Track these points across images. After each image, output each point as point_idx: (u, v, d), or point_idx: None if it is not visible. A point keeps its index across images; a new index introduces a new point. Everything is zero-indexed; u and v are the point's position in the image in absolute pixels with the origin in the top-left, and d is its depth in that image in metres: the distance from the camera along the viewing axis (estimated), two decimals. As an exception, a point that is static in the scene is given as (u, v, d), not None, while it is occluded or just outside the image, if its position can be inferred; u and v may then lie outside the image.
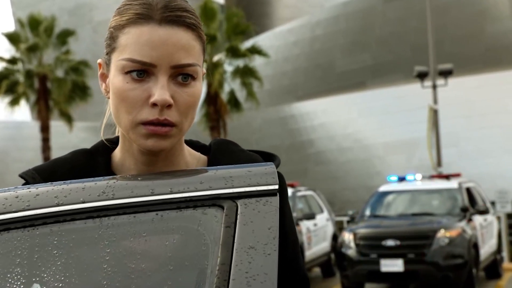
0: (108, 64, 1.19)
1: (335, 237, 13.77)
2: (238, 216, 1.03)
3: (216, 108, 21.85)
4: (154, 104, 1.13)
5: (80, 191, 1.06)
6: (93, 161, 1.24)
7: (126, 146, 1.22)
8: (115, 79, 1.15)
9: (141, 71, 1.14)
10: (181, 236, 1.04)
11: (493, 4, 27.25)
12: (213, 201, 1.05)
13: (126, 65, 1.13)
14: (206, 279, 0.98)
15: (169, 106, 1.13)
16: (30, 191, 1.07)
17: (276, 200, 1.06)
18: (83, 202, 1.04)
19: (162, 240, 1.03)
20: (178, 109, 1.15)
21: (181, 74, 1.15)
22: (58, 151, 24.44)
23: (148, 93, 1.13)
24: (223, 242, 1.01)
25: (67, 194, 1.05)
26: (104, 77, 1.21)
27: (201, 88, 1.19)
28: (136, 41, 1.13)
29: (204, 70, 1.25)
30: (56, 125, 26.11)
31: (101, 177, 1.11)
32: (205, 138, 19.84)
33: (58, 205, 1.04)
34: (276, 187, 1.08)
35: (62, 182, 1.09)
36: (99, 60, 1.23)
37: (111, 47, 1.18)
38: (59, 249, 1.01)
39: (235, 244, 1.00)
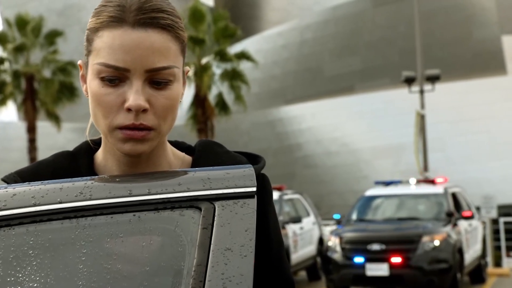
0: (87, 66, 1.19)
1: (321, 241, 13.79)
2: (215, 217, 1.04)
3: (204, 110, 21.84)
4: (130, 109, 1.12)
5: (58, 192, 1.06)
6: (76, 163, 1.24)
7: (108, 147, 1.22)
8: (92, 83, 1.15)
9: (115, 78, 1.13)
10: (158, 237, 1.04)
11: (480, 10, 27.46)
12: (191, 203, 1.06)
13: (100, 69, 1.13)
14: (182, 280, 0.98)
15: (144, 110, 1.13)
16: (7, 191, 1.07)
17: (253, 202, 1.07)
18: (60, 203, 1.04)
19: (139, 241, 1.03)
20: (155, 113, 1.14)
21: (157, 77, 1.14)
22: (45, 151, 24.32)
23: (123, 98, 1.13)
24: (199, 243, 1.01)
25: (44, 194, 1.05)
26: (84, 78, 1.21)
27: (179, 89, 1.18)
28: (109, 45, 1.13)
29: (188, 69, 1.25)
30: (43, 125, 25.98)
31: (79, 178, 1.11)
32: (193, 140, 19.80)
33: (35, 205, 1.04)
34: (254, 189, 1.08)
35: (40, 182, 1.09)
36: (79, 62, 1.23)
37: (87, 49, 1.17)
38: (35, 249, 1.01)
39: (211, 245, 1.00)
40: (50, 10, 39.10)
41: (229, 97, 22.51)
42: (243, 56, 22.10)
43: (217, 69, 22.37)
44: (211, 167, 1.14)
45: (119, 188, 1.07)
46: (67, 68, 22.43)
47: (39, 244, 1.01)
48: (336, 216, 12.91)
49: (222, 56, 21.85)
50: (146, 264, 1.01)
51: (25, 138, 23.57)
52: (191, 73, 21.78)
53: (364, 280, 10.48)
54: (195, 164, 1.25)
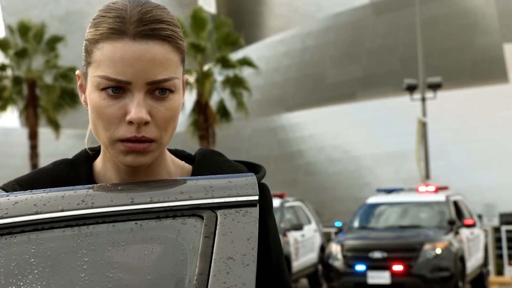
0: (85, 76, 1.18)
1: (322, 248, 13.76)
2: (217, 226, 1.04)
3: (206, 117, 21.85)
4: (131, 122, 1.12)
5: (60, 200, 1.06)
6: (75, 172, 1.23)
7: (107, 156, 1.21)
8: (92, 95, 1.14)
9: (117, 88, 1.12)
10: (160, 246, 1.04)
11: (481, 17, 27.49)
12: (193, 211, 1.05)
13: (101, 82, 1.12)
14: (184, 289, 0.98)
15: (146, 122, 1.12)
16: (8, 199, 1.06)
17: (256, 211, 1.06)
18: (62, 211, 1.04)
19: (141, 249, 1.03)
20: (156, 124, 1.13)
21: (158, 89, 1.13)
22: (46, 158, 24.32)
23: (125, 110, 1.12)
24: (201, 252, 1.01)
25: (46, 202, 1.05)
26: (83, 88, 1.20)
27: (180, 100, 1.17)
28: (110, 58, 1.11)
29: (187, 77, 1.24)
30: (45, 132, 25.99)
31: (81, 186, 1.11)
32: (194, 147, 19.80)
33: (37, 213, 1.04)
34: (256, 198, 1.08)
35: (42, 190, 1.09)
36: (77, 72, 1.21)
37: (86, 60, 1.16)
38: (36, 257, 1.00)
39: (213, 254, 1.00)
40: (52, 17, 39.21)
41: (230, 104, 22.52)
42: (244, 62, 22.11)
43: (218, 76, 22.39)
44: (214, 175, 1.14)
45: (121, 196, 1.07)
46: (68, 74, 22.43)
47: (41, 253, 1.01)
48: (338, 224, 12.89)
49: (224, 63, 21.88)
50: (147, 273, 1.01)
51: (26, 145, 23.58)
52: (192, 79, 21.80)
53: (366, 288, 10.46)
54: (195, 173, 1.25)
